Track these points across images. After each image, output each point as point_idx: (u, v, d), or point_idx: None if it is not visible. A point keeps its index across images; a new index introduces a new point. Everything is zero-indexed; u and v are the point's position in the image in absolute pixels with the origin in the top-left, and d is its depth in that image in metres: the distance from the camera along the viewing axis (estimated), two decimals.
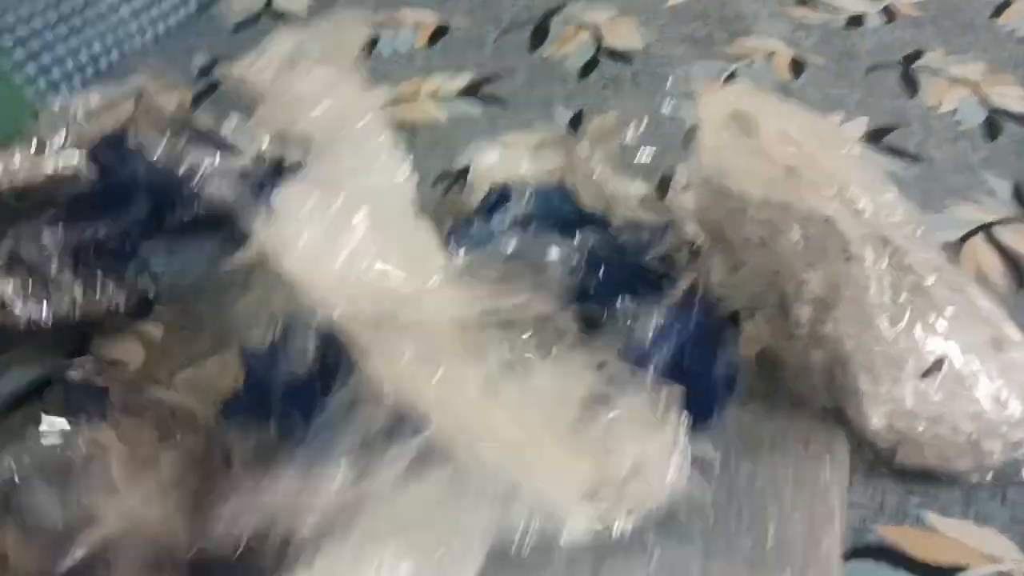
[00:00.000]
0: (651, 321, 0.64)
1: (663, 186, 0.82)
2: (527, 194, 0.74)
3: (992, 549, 0.60)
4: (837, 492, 0.62)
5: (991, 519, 0.61)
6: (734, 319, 0.73)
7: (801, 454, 0.64)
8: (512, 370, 0.58)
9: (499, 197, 0.75)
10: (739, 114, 0.73)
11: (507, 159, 0.79)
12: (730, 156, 0.71)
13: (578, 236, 0.72)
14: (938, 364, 0.62)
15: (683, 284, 0.70)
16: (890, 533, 0.61)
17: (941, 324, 0.63)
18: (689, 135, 0.74)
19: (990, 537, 0.61)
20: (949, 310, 0.64)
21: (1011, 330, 0.66)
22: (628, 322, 0.66)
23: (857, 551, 0.60)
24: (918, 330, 0.63)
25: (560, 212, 0.75)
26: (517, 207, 0.73)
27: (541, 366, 0.60)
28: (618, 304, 0.67)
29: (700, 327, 0.65)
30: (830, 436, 0.65)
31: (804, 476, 0.63)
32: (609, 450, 0.57)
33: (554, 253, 0.70)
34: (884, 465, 0.64)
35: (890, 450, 0.63)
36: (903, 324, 0.63)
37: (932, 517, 0.62)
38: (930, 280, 0.65)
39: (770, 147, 0.70)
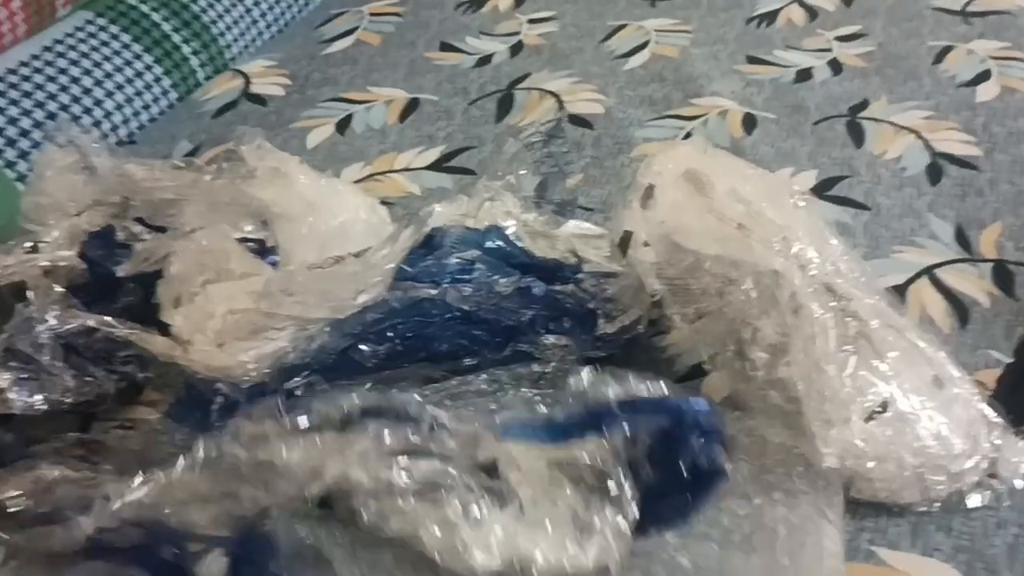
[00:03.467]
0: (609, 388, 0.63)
1: (624, 243, 0.85)
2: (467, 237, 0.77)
3: None
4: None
5: (937, 550, 0.64)
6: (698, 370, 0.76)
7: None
8: None
9: (434, 236, 0.77)
10: (692, 173, 0.76)
11: (449, 211, 0.81)
12: (685, 215, 0.75)
13: (540, 286, 0.76)
14: (883, 406, 0.65)
15: (623, 321, 0.75)
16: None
17: (884, 367, 0.66)
18: (648, 193, 0.77)
19: (935, 568, 0.63)
20: (892, 354, 0.67)
21: (951, 368, 0.69)
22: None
23: None
24: (863, 374, 0.66)
25: (509, 258, 0.77)
26: (461, 249, 0.76)
27: None
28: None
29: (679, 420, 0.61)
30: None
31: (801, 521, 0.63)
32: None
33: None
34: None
35: (843, 486, 0.65)
36: (849, 369, 0.65)
37: (882, 552, 0.64)
38: (873, 325, 0.68)
39: (722, 205, 0.74)
